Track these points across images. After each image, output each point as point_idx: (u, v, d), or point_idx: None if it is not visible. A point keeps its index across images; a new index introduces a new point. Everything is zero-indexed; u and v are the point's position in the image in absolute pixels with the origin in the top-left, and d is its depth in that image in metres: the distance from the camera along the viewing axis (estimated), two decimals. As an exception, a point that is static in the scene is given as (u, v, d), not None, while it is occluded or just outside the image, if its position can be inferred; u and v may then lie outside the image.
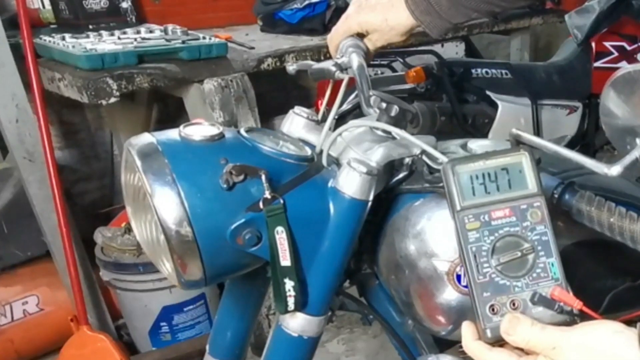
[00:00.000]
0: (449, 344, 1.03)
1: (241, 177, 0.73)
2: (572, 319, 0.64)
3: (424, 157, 0.83)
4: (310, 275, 0.81)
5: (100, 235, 2.07)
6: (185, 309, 2.14)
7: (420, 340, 1.01)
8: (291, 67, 1.05)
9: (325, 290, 0.83)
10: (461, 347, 1.06)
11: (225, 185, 0.72)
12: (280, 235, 0.74)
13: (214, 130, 0.77)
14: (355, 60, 0.95)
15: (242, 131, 0.81)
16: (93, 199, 2.58)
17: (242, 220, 0.73)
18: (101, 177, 2.62)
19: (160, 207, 0.71)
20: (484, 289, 0.64)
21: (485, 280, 0.64)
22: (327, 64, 0.94)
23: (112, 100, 1.70)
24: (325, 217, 0.79)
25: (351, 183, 0.78)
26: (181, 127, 0.77)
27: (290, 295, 0.76)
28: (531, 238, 0.65)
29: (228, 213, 0.73)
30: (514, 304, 0.64)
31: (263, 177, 0.73)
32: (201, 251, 0.72)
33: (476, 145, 0.89)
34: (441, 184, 0.81)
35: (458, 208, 0.65)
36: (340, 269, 0.83)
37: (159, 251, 0.76)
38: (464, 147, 0.90)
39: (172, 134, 0.78)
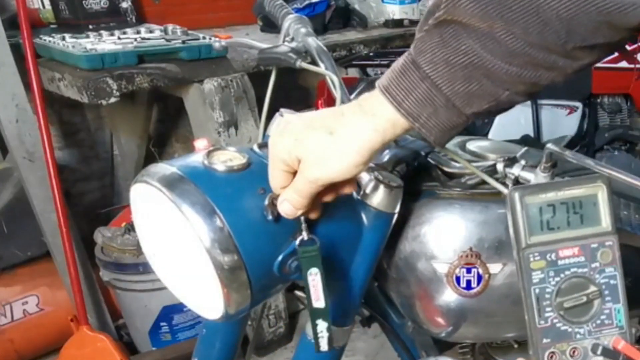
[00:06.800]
0: (448, 345, 1.03)
1: None
2: None
3: (429, 159, 0.83)
4: (340, 288, 0.80)
5: (100, 235, 2.06)
6: (185, 309, 2.13)
7: (420, 342, 1.01)
8: (218, 43, 1.01)
9: (353, 302, 0.83)
10: (460, 348, 1.06)
11: (271, 217, 0.69)
12: (314, 277, 0.70)
13: (241, 159, 0.72)
14: (312, 42, 0.89)
15: (256, 149, 0.76)
16: (93, 199, 2.59)
17: (290, 249, 0.70)
18: (101, 177, 2.62)
19: (205, 239, 0.66)
20: (544, 335, 0.59)
21: (546, 326, 0.59)
22: (282, 50, 0.88)
23: (112, 100, 1.70)
24: (357, 231, 0.78)
25: (380, 197, 0.77)
26: (202, 155, 0.72)
27: (322, 337, 0.73)
28: (599, 281, 0.60)
29: (276, 244, 0.70)
30: (574, 352, 0.60)
31: (301, 217, 0.69)
32: (251, 282, 0.69)
33: (475, 145, 0.89)
34: (459, 189, 0.80)
35: (523, 245, 0.59)
36: (367, 280, 0.82)
37: (201, 285, 0.71)
38: (462, 147, 0.90)
39: (193, 162, 0.72)
